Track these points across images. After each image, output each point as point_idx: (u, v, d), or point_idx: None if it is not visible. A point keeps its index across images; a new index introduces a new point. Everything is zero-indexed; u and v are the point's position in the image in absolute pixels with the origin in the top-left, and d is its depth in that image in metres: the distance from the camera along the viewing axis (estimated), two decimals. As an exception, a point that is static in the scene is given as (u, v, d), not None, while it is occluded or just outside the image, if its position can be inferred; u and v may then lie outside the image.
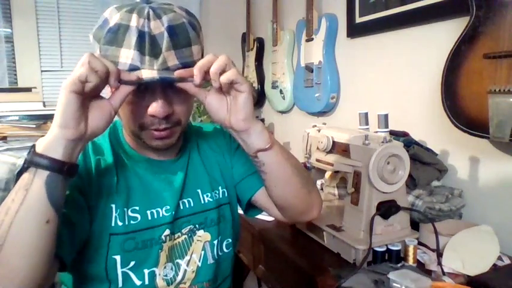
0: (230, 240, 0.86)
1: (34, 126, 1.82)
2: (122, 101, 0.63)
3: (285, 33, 2.06)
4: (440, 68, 1.04)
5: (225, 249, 0.85)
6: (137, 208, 0.74)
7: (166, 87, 0.68)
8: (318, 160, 1.12)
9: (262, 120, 2.40)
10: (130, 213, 0.73)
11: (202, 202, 0.82)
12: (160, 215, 0.76)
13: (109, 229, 0.71)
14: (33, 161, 0.56)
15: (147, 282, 0.74)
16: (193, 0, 2.42)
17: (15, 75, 2.15)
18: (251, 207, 0.91)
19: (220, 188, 0.86)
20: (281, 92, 2.11)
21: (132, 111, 0.70)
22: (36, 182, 0.55)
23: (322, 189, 1.38)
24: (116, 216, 0.72)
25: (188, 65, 0.66)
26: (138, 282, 0.73)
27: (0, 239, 0.54)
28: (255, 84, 2.35)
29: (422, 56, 1.30)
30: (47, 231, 0.56)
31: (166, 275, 0.76)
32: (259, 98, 2.37)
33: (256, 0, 2.41)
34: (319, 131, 1.14)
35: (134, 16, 0.64)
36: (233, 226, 0.88)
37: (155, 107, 0.67)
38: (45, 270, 0.57)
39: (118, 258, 0.72)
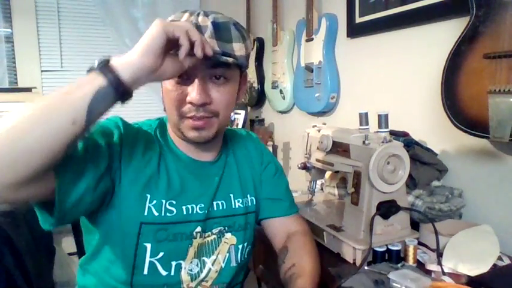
0: (251, 247, 0.89)
1: (34, 126, 1.82)
2: (188, 64, 0.66)
3: (285, 33, 2.06)
4: (440, 68, 1.04)
5: (246, 256, 0.88)
6: (174, 202, 0.77)
7: (205, 77, 0.73)
8: (318, 160, 1.12)
9: (262, 120, 2.39)
10: (168, 206, 0.76)
11: (233, 207, 0.86)
12: (194, 212, 0.79)
13: (140, 217, 0.74)
14: (101, 69, 0.58)
15: (172, 273, 0.77)
16: (193, 0, 2.42)
17: (15, 75, 2.15)
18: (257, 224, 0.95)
19: (249, 195, 0.90)
20: (281, 92, 2.11)
21: (174, 99, 0.74)
22: (89, 86, 0.56)
23: (322, 189, 1.38)
24: (149, 207, 0.75)
25: (228, 54, 0.72)
26: (164, 273, 0.76)
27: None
28: (255, 84, 2.35)
29: (422, 56, 1.29)
30: (67, 131, 0.55)
31: (191, 270, 0.79)
32: (259, 98, 2.37)
33: (256, 0, 2.41)
34: (319, 131, 1.14)
35: (186, 14, 0.73)
36: (254, 234, 0.91)
37: (192, 94, 0.72)
38: (40, 165, 0.54)
39: (149, 246, 0.74)
